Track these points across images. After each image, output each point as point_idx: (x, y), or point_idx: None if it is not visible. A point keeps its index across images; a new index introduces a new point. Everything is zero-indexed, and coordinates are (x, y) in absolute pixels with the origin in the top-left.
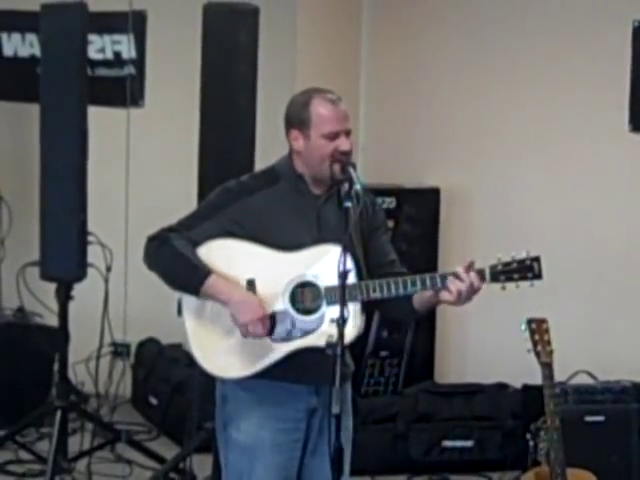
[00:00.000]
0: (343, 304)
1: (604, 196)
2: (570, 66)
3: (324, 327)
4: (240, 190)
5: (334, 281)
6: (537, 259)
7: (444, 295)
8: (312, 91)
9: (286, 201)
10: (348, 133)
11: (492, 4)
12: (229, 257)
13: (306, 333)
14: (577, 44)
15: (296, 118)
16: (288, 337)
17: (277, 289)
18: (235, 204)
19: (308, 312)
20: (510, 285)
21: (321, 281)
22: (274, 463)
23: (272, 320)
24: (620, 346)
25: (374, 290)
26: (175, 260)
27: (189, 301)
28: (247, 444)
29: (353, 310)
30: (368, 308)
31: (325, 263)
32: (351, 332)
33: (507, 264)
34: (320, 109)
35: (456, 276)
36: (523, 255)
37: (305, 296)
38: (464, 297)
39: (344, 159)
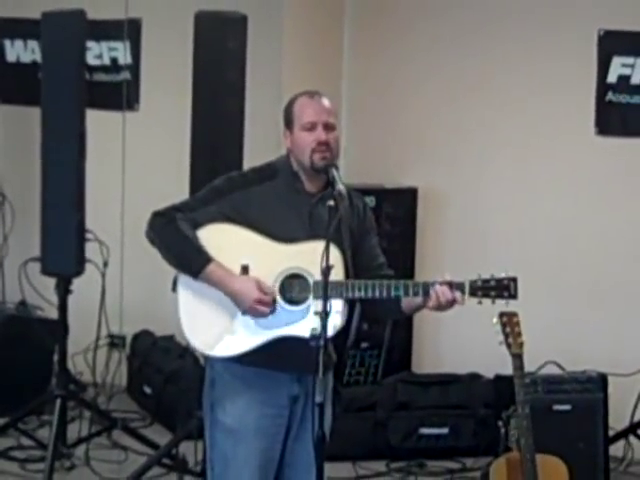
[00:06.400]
0: (326, 297)
1: (571, 198)
2: (540, 72)
3: (308, 319)
4: (243, 180)
5: None
6: (514, 280)
7: (426, 302)
8: (300, 93)
9: (282, 197)
10: (327, 126)
11: (471, 12)
12: (227, 241)
13: (290, 322)
14: (546, 51)
15: (285, 118)
16: (273, 324)
17: (269, 278)
18: (237, 192)
19: (295, 303)
20: (486, 301)
21: (311, 275)
22: (256, 446)
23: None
24: (586, 338)
25: (359, 289)
26: (180, 241)
27: (185, 277)
28: (232, 427)
29: (337, 305)
30: (351, 302)
31: (316, 259)
32: (333, 326)
33: (486, 281)
34: (300, 104)
35: (438, 288)
36: (502, 275)
37: (294, 287)
38: (443, 307)
39: (322, 149)
